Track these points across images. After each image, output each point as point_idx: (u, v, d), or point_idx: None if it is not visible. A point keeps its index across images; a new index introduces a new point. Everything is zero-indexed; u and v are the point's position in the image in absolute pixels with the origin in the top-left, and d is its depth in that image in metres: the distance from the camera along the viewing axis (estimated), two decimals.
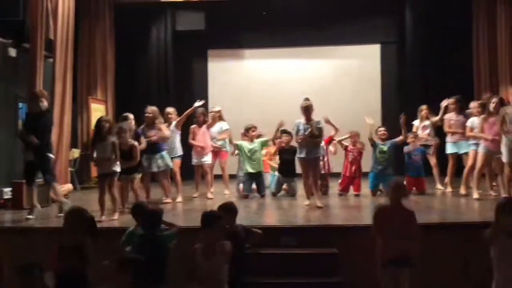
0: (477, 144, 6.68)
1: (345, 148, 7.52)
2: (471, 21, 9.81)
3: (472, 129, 6.76)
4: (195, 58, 11.18)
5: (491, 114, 6.39)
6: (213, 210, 4.21)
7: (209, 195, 7.37)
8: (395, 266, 3.90)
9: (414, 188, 7.34)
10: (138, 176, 6.74)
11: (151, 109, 7.06)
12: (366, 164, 7.62)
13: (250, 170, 7.42)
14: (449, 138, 7.48)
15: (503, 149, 6.02)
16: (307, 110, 6.39)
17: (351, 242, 4.75)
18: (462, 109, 7.40)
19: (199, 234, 3.85)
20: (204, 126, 7.57)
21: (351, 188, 7.47)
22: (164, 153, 6.91)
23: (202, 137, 7.52)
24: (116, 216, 5.76)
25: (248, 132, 7.65)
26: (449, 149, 7.45)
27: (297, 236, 4.98)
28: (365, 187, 7.47)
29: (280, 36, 10.58)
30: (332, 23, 10.46)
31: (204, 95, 10.81)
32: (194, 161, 7.52)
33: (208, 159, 7.53)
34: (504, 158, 6.00)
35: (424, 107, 7.91)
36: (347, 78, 10.86)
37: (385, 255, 3.91)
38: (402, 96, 10.52)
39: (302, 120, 6.43)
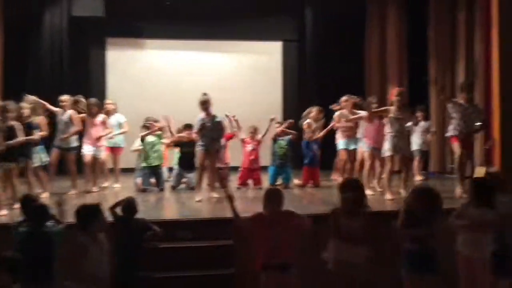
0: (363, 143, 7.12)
1: (243, 140, 7.63)
2: (364, 23, 10.38)
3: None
4: (93, 46, 10.62)
5: (372, 115, 6.79)
6: (89, 203, 4.13)
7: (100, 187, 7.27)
8: (278, 270, 3.91)
9: (311, 181, 7.67)
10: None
11: (65, 98, 6.99)
12: (266, 158, 7.81)
13: (150, 163, 7.28)
14: (339, 134, 7.88)
15: (387, 144, 6.42)
16: (204, 104, 6.41)
17: (247, 233, 4.80)
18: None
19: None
20: (99, 117, 7.28)
21: (251, 182, 7.60)
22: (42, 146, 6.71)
23: (95, 128, 7.23)
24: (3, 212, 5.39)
25: (148, 125, 7.48)
26: (340, 145, 7.87)
27: (194, 229, 4.97)
28: (266, 180, 7.63)
29: (183, 28, 10.42)
30: (235, 18, 10.49)
31: (102, 84, 10.43)
32: (87, 152, 7.20)
33: (101, 151, 7.30)
34: (387, 152, 6.42)
35: (314, 109, 8.21)
36: (250, 74, 10.97)
37: (267, 261, 3.91)
38: (302, 93, 10.86)
39: (202, 114, 6.45)
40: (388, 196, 6.20)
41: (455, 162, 6.54)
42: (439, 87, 6.31)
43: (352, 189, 4.01)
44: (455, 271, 4.08)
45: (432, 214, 3.96)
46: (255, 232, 4.00)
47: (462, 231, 4.03)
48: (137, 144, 7.55)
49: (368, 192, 6.55)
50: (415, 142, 8.47)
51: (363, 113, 7.00)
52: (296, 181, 7.78)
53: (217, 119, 6.50)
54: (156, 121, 7.52)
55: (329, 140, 8.05)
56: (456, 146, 6.35)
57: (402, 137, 6.36)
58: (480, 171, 6.65)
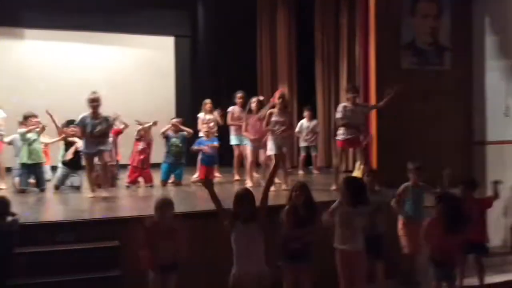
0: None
1: (136, 139, 7.41)
2: (255, 20, 10.59)
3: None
4: None
5: (252, 113, 7.04)
6: None
7: None
8: (164, 271, 4.01)
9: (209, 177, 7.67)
10: None
11: None
12: (158, 155, 7.67)
13: (28, 161, 6.78)
14: (232, 131, 7.99)
15: (269, 143, 6.67)
16: (92, 102, 6.13)
17: (134, 233, 4.68)
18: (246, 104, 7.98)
19: None
20: None
21: (142, 179, 7.42)
22: None
23: None
24: None
25: (27, 120, 6.97)
26: (233, 140, 7.98)
27: (78, 230, 4.73)
28: (157, 177, 7.49)
29: (68, 18, 9.79)
30: (126, 10, 10.17)
31: None
32: None
33: None
34: (270, 151, 6.65)
35: (208, 101, 8.25)
36: (141, 69, 10.68)
37: (154, 262, 3.98)
38: (195, 89, 10.82)
39: (88, 114, 6.15)
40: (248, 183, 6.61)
41: (336, 160, 6.97)
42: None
43: (248, 202, 3.94)
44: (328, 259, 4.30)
45: (312, 210, 4.24)
46: (148, 237, 4.03)
47: (336, 227, 4.24)
48: (9, 139, 7.04)
49: (249, 184, 6.87)
50: (302, 140, 8.91)
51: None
52: (193, 178, 7.73)
53: (105, 119, 6.23)
54: (35, 116, 7.02)
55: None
56: (339, 153, 6.73)
57: (284, 138, 6.64)
58: (359, 167, 7.14)
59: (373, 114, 7.04)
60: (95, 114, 6.13)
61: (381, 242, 4.91)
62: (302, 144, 9.01)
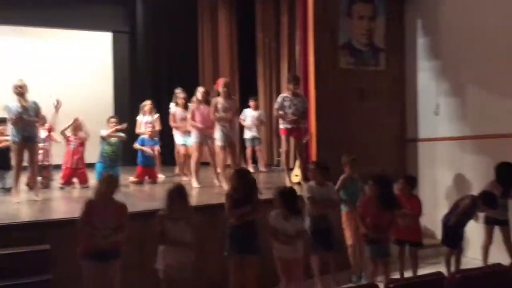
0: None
1: (67, 138, 7.13)
2: (196, 17, 10.49)
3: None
4: None
5: (200, 103, 6.92)
6: None
7: None
8: (100, 259, 3.93)
9: (147, 177, 7.50)
10: None
11: None
12: (93, 155, 7.41)
13: None
14: (177, 130, 7.87)
15: (217, 134, 6.61)
16: (18, 89, 5.83)
17: (66, 236, 4.50)
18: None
19: None
20: None
21: (77, 180, 7.15)
22: None
23: None
24: None
25: None
26: (178, 140, 7.88)
27: (6, 234, 4.48)
28: (93, 178, 7.24)
29: (4, 13, 9.28)
30: (62, 5, 9.77)
31: None
32: None
33: None
34: (218, 142, 6.60)
35: (147, 102, 8.07)
36: (78, 65, 10.35)
37: (91, 247, 3.91)
38: (134, 87, 10.59)
39: (15, 101, 5.84)
40: (223, 185, 6.38)
41: (281, 155, 7.00)
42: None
43: (178, 196, 4.14)
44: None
45: (251, 193, 4.32)
46: (87, 216, 4.01)
47: (276, 239, 4.33)
48: None
49: (194, 184, 6.77)
50: (247, 129, 8.85)
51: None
52: (131, 178, 7.54)
53: (34, 105, 5.93)
54: None
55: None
56: (284, 140, 6.76)
57: (230, 126, 6.60)
58: (299, 164, 7.25)
59: (311, 112, 7.15)
60: (22, 100, 5.83)
61: (332, 234, 5.02)
62: (247, 135, 8.85)
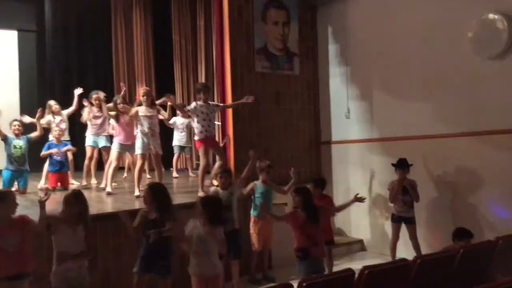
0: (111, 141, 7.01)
1: None
2: (110, 17, 10.19)
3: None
4: None
5: (122, 112, 6.75)
6: None
7: None
8: (13, 282, 3.70)
9: (59, 184, 7.13)
10: None
11: None
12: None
13: None
14: (89, 130, 7.57)
15: (138, 142, 6.43)
16: None
17: None
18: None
19: None
20: None
21: None
22: None
23: None
24: None
25: None
26: (89, 141, 7.57)
27: None
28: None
29: None
30: None
31: None
32: None
33: None
34: (138, 150, 6.42)
35: (53, 102, 7.70)
36: None
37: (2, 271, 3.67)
38: (43, 89, 10.04)
39: None
40: (136, 192, 6.21)
41: (200, 162, 6.91)
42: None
43: (78, 202, 3.96)
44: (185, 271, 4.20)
45: (163, 208, 4.19)
46: None
47: (191, 252, 4.06)
48: None
49: (108, 189, 6.57)
50: (176, 139, 8.64)
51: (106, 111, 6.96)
52: (43, 185, 7.15)
53: None
54: None
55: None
56: (201, 151, 6.42)
57: (153, 135, 6.44)
58: (218, 165, 7.27)
59: (229, 116, 7.22)
60: None
61: (238, 239, 5.08)
62: (176, 143, 8.60)
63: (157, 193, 4.25)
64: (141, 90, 6.87)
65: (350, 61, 7.41)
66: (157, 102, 6.93)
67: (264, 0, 7.36)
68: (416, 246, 5.71)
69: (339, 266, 5.65)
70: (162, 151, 6.58)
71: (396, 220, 5.86)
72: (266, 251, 5.69)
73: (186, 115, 8.22)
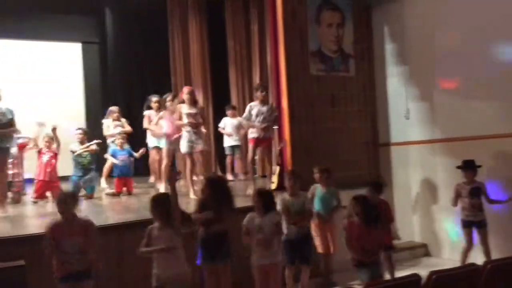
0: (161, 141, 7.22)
1: (39, 150, 6.99)
2: (167, 26, 10.48)
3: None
4: None
5: (169, 111, 6.93)
6: None
7: None
8: (74, 280, 3.85)
9: (124, 189, 7.41)
10: None
11: None
12: (66, 168, 7.30)
13: None
14: (150, 133, 7.83)
15: (183, 141, 6.61)
16: None
17: (41, 252, 4.42)
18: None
19: None
20: None
21: (50, 194, 7.01)
22: None
23: None
24: None
25: None
26: (151, 143, 7.84)
27: None
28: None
29: None
30: (31, 16, 9.63)
31: None
32: None
33: None
34: (183, 149, 6.60)
35: (115, 109, 8.02)
36: (48, 77, 10.18)
37: (62, 270, 3.84)
38: (105, 97, 10.48)
39: None
40: (191, 193, 6.37)
41: (248, 162, 7.03)
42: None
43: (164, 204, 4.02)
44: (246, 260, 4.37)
45: (219, 200, 4.27)
46: (53, 239, 3.88)
47: (252, 243, 4.30)
48: None
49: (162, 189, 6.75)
50: (226, 140, 8.83)
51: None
52: (108, 190, 7.45)
53: (8, 111, 5.78)
54: None
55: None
56: (250, 148, 6.76)
57: (197, 133, 6.59)
58: (276, 170, 7.31)
59: (285, 119, 7.23)
60: None
61: (309, 245, 5.03)
62: (226, 143, 8.81)
63: (214, 185, 4.37)
64: (185, 89, 7.02)
65: (408, 60, 7.22)
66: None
67: (317, 2, 7.31)
68: (487, 252, 5.43)
69: (402, 271, 5.47)
70: (206, 147, 6.73)
71: (466, 225, 5.58)
72: (328, 254, 5.61)
73: (235, 115, 8.58)
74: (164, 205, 3.97)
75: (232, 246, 4.35)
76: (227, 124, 8.80)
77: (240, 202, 5.80)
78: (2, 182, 5.90)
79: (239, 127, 8.80)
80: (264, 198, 4.38)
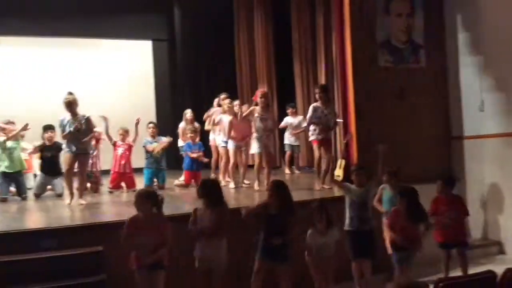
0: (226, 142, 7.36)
1: (114, 143, 7.36)
2: (232, 22, 10.64)
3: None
4: None
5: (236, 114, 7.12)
6: None
7: None
8: (148, 271, 4.06)
9: (193, 181, 7.65)
10: None
11: None
12: (139, 160, 7.64)
13: (7, 170, 6.71)
14: (217, 132, 8.00)
15: (254, 142, 6.73)
16: (70, 105, 6.09)
17: (118, 238, 4.67)
18: None
19: None
20: None
21: (124, 184, 7.37)
22: None
23: None
24: None
25: (5, 129, 6.91)
26: (218, 140, 8.00)
27: (61, 237, 4.70)
28: (141, 182, 7.45)
29: (46, 24, 9.73)
30: (102, 15, 10.12)
31: None
32: None
33: None
34: (253, 150, 6.73)
35: (188, 111, 8.25)
36: (120, 74, 10.67)
37: (138, 262, 4.06)
38: (175, 93, 10.83)
39: (67, 115, 6.10)
40: (256, 187, 6.60)
41: (315, 160, 7.05)
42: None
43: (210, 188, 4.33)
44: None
45: (285, 208, 4.34)
46: (131, 233, 4.07)
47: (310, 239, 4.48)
48: None
49: (232, 185, 7.02)
50: (287, 138, 8.96)
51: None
52: (177, 181, 7.72)
53: (85, 119, 6.18)
54: (12, 123, 6.98)
55: None
56: (315, 147, 6.82)
57: (267, 136, 6.71)
58: (340, 164, 7.25)
59: (351, 113, 7.14)
60: (73, 114, 6.09)
61: (372, 238, 4.95)
62: (287, 141, 9.00)
63: (279, 190, 4.43)
64: (259, 92, 7.11)
65: (483, 49, 6.88)
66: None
67: None
68: None
69: (475, 268, 5.26)
70: (274, 151, 6.86)
71: None
72: None
73: (295, 114, 8.84)
74: (210, 189, 4.32)
75: (292, 250, 4.42)
76: (289, 123, 8.98)
77: (303, 196, 5.86)
78: (82, 183, 6.30)
79: (299, 126, 8.90)
80: (327, 212, 4.51)
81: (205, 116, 8.07)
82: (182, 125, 8.17)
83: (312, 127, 6.67)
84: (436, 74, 7.39)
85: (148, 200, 4.16)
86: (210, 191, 4.31)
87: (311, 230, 4.49)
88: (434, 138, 7.33)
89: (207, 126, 8.04)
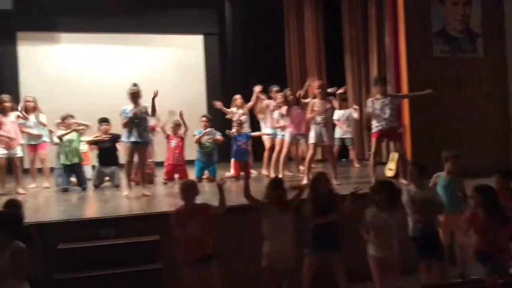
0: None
1: (167, 136, 7.56)
2: (283, 15, 10.61)
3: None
4: (2, 41, 10.06)
5: (293, 104, 7.09)
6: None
7: (20, 190, 6.81)
8: (200, 264, 4.06)
9: (242, 173, 7.72)
10: None
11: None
12: (192, 152, 7.82)
13: (67, 162, 7.04)
14: (268, 123, 8.05)
15: (311, 132, 6.69)
16: (134, 96, 6.28)
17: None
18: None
19: None
20: (13, 115, 6.94)
21: (178, 176, 7.56)
22: None
23: (10, 127, 6.88)
24: None
25: (64, 122, 7.25)
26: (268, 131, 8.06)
27: (118, 226, 4.89)
28: (192, 174, 7.61)
29: (100, 21, 10.11)
30: (153, 11, 10.37)
31: (14, 81, 9.95)
32: (1, 153, 6.83)
33: (18, 151, 6.95)
34: (311, 140, 6.67)
35: (238, 96, 8.33)
36: (171, 68, 10.89)
37: (189, 255, 4.06)
38: (225, 87, 10.95)
39: (130, 106, 6.29)
40: (305, 180, 6.45)
41: (371, 152, 6.89)
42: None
43: (282, 188, 4.22)
44: (358, 249, 4.33)
45: (333, 198, 4.29)
46: (176, 226, 4.11)
47: (370, 233, 4.20)
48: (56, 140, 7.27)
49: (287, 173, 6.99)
50: (338, 129, 8.86)
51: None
52: (227, 174, 7.84)
53: (145, 109, 6.33)
54: (72, 117, 7.30)
55: None
56: (373, 141, 6.55)
57: (326, 127, 6.64)
58: (392, 157, 7.11)
59: (405, 104, 6.98)
60: (136, 105, 6.28)
61: (438, 241, 4.62)
62: (337, 135, 8.80)
63: (319, 182, 4.35)
64: (315, 83, 7.05)
65: None
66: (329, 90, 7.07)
67: None
68: None
69: None
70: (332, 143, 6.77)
71: None
72: (452, 245, 5.24)
73: (343, 106, 8.68)
74: (271, 188, 4.24)
75: (344, 237, 4.32)
76: (340, 116, 8.84)
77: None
78: (143, 170, 6.46)
79: (349, 118, 8.81)
80: (390, 192, 4.16)
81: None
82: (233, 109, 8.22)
83: (373, 119, 6.50)
84: (494, 63, 7.13)
85: (191, 190, 4.21)
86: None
87: (370, 209, 4.21)
88: (492, 130, 7.07)
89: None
